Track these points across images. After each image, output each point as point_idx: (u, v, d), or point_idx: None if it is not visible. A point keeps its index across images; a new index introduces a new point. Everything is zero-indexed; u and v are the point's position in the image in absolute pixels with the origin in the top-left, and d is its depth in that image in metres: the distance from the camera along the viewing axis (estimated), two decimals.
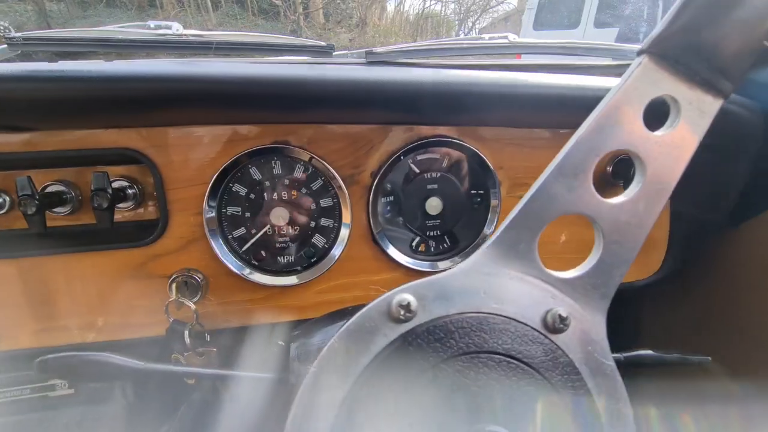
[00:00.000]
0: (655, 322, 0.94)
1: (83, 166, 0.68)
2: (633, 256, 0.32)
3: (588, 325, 0.31)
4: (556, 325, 0.31)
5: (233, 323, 0.73)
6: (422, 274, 0.75)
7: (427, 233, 0.76)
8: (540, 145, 0.75)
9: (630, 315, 0.95)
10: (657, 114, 0.31)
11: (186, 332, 0.63)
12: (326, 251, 0.73)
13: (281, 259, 0.74)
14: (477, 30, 14.32)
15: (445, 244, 0.79)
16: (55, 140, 0.63)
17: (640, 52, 0.28)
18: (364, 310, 0.29)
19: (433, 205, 0.74)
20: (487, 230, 0.76)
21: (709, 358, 0.50)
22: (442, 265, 0.75)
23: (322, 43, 0.90)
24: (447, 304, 0.30)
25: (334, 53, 0.91)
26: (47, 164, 0.66)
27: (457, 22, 14.54)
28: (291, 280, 0.72)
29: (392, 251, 0.74)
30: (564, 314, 0.31)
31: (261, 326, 0.73)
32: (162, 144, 0.65)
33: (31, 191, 0.61)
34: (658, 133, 0.30)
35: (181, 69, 0.55)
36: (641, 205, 0.30)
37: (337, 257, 0.71)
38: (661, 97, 0.29)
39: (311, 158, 0.68)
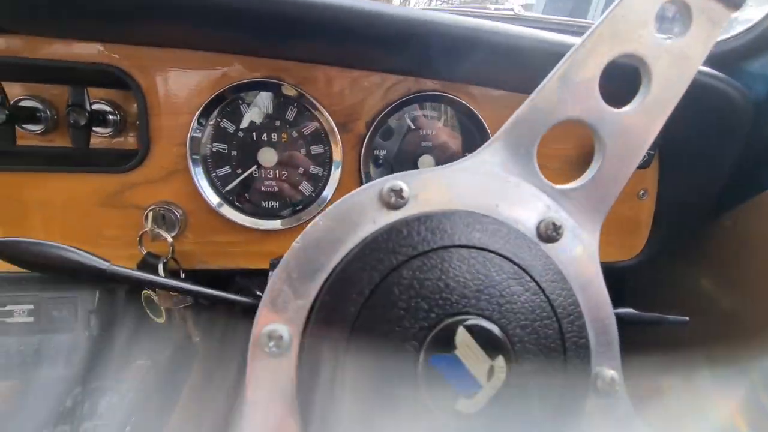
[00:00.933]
0: (632, 304, 0.95)
1: (61, 83, 0.64)
2: (630, 171, 0.31)
3: (580, 239, 0.31)
4: (549, 233, 0.30)
5: (210, 265, 0.70)
6: None
7: None
8: None
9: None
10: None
11: (160, 265, 0.60)
12: (313, 199, 0.71)
13: (265, 204, 0.71)
14: None
15: None
16: (31, 48, 0.59)
17: None
18: (353, 192, 0.27)
19: (426, 162, 0.73)
20: None
21: (687, 318, 0.51)
22: None
23: None
24: (441, 198, 0.28)
25: None
26: (20, 75, 0.62)
27: None
28: (275, 224, 0.69)
29: None
30: (558, 223, 0.30)
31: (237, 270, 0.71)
32: (148, 65, 0.61)
33: (1, 100, 0.57)
34: (669, 40, 0.29)
35: None
36: (644, 117, 0.30)
37: (327, 200, 0.69)
38: (672, 2, 0.28)
39: (305, 99, 0.66)
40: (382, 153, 0.73)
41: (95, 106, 0.63)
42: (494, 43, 0.59)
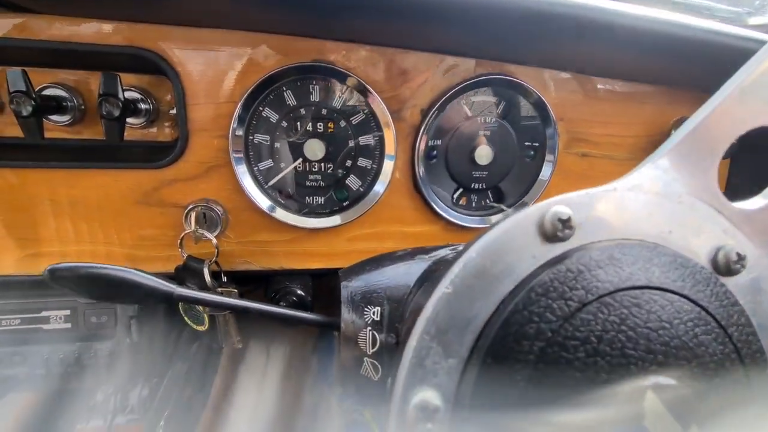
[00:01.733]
0: None
1: (89, 69, 0.58)
2: None
3: (761, 270, 0.25)
4: (731, 266, 0.24)
5: (252, 266, 0.65)
6: (464, 229, 0.69)
7: (472, 185, 0.69)
8: (606, 98, 0.68)
9: None
10: None
11: (206, 269, 0.55)
12: (361, 195, 0.66)
13: (309, 200, 0.66)
14: None
15: (487, 200, 0.72)
16: (56, 30, 0.52)
17: None
18: (508, 221, 0.22)
19: (483, 154, 0.66)
20: (537, 188, 0.69)
21: None
22: (494, 219, 0.69)
23: None
24: (609, 225, 0.23)
25: None
26: (45, 60, 0.56)
27: None
28: (330, 221, 0.64)
29: (434, 201, 0.66)
30: (742, 253, 0.24)
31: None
32: (186, 48, 0.55)
33: (26, 88, 0.51)
34: None
35: None
36: None
37: (380, 195, 0.63)
38: None
39: (356, 85, 0.59)
40: (436, 143, 0.66)
41: (126, 94, 0.57)
42: (585, 20, 0.51)
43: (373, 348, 0.38)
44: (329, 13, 0.53)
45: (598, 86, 0.67)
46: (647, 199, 0.24)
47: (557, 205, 0.22)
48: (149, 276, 0.33)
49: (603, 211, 0.23)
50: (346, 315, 0.39)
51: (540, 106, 0.65)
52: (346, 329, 0.39)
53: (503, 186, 0.71)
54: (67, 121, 0.59)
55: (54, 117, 0.58)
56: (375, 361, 0.38)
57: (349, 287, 0.41)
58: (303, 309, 0.69)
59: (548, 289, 0.21)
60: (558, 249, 0.22)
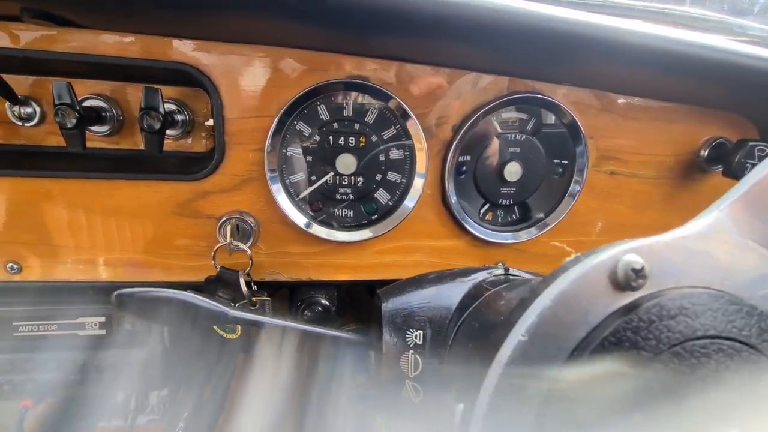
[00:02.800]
0: None
1: (130, 81, 0.59)
2: None
3: None
4: None
5: (281, 276, 0.66)
6: (490, 245, 0.69)
7: (499, 201, 0.69)
8: (635, 116, 0.68)
9: None
10: None
11: (241, 279, 0.56)
12: (390, 209, 0.66)
13: (338, 213, 0.66)
14: None
15: (514, 215, 0.72)
16: (101, 44, 0.53)
17: None
18: (579, 268, 0.22)
19: (512, 170, 0.66)
20: (565, 205, 0.69)
21: None
22: (523, 235, 0.69)
23: None
24: (677, 272, 0.23)
25: None
26: (88, 72, 0.57)
27: None
28: (360, 234, 0.65)
29: (462, 217, 0.67)
30: None
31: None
32: (225, 64, 0.55)
33: (71, 100, 0.52)
34: None
35: None
36: None
37: (411, 209, 0.64)
38: None
39: (391, 101, 0.60)
40: (466, 159, 0.67)
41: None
42: (621, 42, 0.51)
43: (415, 371, 0.38)
44: (364, 31, 0.53)
45: (628, 104, 0.67)
46: (714, 246, 0.24)
47: (629, 254, 0.22)
48: (205, 299, 0.33)
49: (672, 258, 0.23)
50: (388, 337, 0.40)
51: (571, 124, 0.65)
52: (387, 351, 0.40)
53: (530, 202, 0.71)
54: (106, 131, 0.60)
55: (94, 128, 0.59)
56: (417, 384, 0.39)
57: (390, 309, 0.41)
58: (327, 318, 0.70)
59: (621, 339, 0.21)
60: (629, 297, 0.22)
